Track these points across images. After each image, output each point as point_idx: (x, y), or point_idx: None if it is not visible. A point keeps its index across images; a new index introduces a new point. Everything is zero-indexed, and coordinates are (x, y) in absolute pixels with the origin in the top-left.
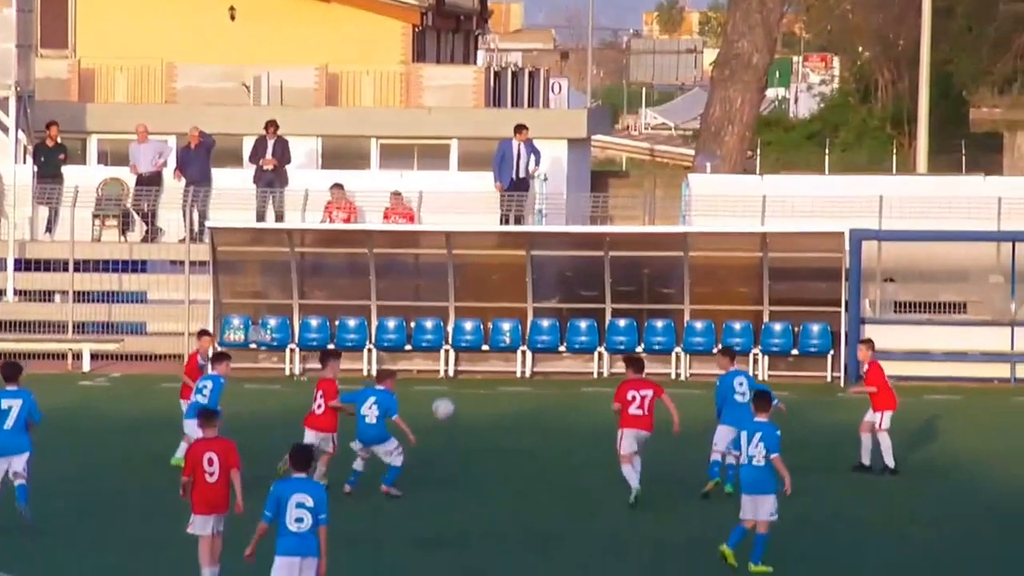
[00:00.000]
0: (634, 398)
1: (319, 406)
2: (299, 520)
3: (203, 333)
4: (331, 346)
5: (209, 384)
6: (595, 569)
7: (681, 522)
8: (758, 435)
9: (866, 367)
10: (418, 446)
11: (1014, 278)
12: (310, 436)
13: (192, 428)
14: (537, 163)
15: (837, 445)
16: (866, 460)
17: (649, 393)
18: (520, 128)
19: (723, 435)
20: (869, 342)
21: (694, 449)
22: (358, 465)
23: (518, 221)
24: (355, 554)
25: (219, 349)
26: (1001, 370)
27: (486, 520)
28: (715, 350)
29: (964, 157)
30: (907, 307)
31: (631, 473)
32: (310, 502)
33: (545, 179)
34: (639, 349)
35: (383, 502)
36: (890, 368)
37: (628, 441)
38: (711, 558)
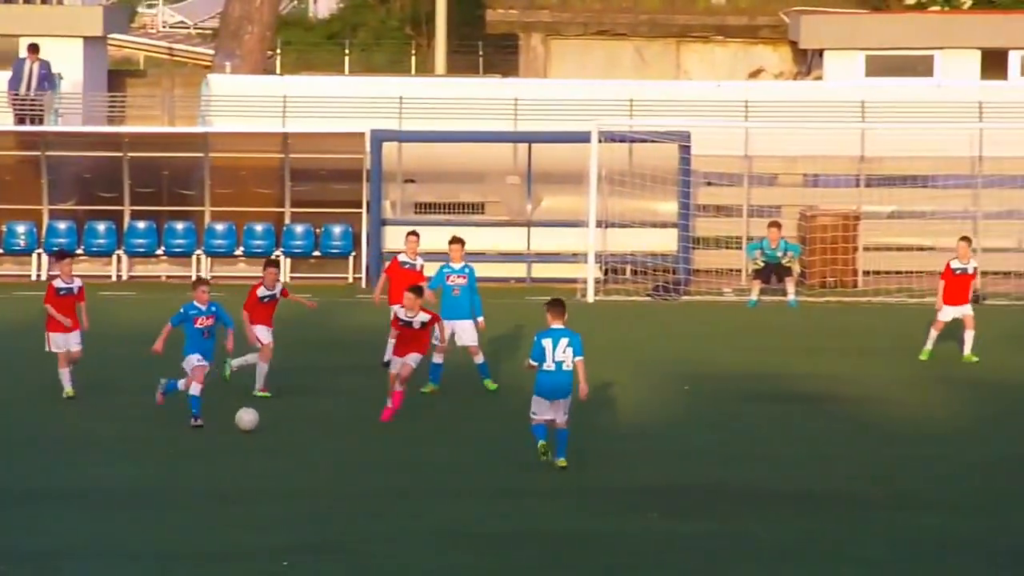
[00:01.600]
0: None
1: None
2: None
3: None
4: None
5: None
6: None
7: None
8: (565, 340)
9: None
10: None
11: (530, 178)
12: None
13: None
14: (50, 86)
15: (362, 344)
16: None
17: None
18: (33, 48)
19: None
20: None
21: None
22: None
23: (39, 122)
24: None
25: None
26: (518, 269)
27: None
28: (238, 252)
29: (482, 59)
30: (428, 208)
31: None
32: None
33: (61, 78)
34: (159, 252)
35: None
36: None
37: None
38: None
